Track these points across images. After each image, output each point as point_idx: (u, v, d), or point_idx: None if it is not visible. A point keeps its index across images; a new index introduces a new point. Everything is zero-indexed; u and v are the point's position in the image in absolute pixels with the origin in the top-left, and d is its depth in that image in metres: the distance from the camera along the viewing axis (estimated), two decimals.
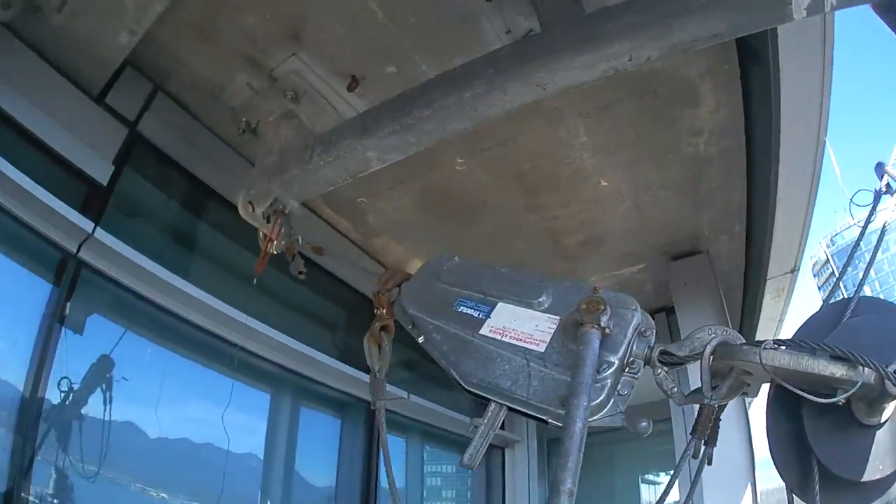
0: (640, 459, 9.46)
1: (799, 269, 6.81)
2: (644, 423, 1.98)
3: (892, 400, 1.93)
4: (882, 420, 2.01)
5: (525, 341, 2.22)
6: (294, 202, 4.07)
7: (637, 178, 5.78)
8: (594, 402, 1.96)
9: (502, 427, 8.73)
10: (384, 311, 2.85)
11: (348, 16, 4.27)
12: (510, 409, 2.14)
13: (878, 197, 2.95)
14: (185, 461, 5.45)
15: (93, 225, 4.31)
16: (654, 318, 6.22)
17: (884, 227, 2.98)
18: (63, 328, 4.33)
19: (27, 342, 4.13)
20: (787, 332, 8.60)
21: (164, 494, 5.11)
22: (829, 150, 4.95)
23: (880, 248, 3.05)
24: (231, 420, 5.37)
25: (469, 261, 2.78)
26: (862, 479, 2.05)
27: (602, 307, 2.05)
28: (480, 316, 2.39)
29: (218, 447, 5.46)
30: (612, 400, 2.04)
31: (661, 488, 9.23)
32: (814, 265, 79.64)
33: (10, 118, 4.15)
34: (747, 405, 6.15)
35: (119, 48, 4.30)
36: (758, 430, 5.60)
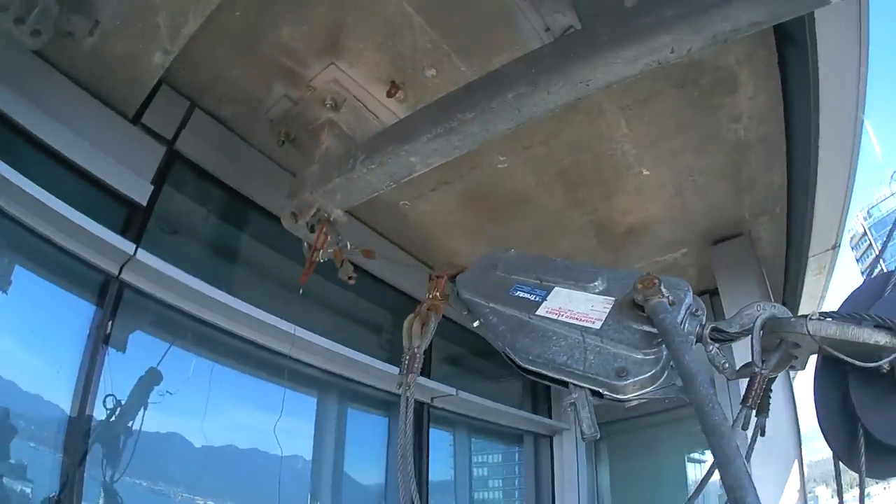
0: (685, 439, 9.42)
1: (840, 246, 6.74)
2: (726, 364, 2.01)
3: None
4: None
5: (581, 320, 2.21)
6: (338, 210, 4.08)
7: (678, 167, 5.75)
8: (650, 373, 1.99)
9: (549, 416, 8.80)
10: (437, 294, 2.82)
11: (385, 21, 4.25)
12: (565, 383, 2.12)
13: None
14: (232, 468, 5.49)
15: (134, 246, 4.30)
16: None
17: None
18: (107, 347, 4.33)
19: (73, 363, 4.15)
20: (829, 308, 8.61)
21: (211, 502, 5.15)
22: (867, 126, 4.91)
23: None
24: (279, 425, 5.33)
25: (525, 253, 2.78)
26: None
27: (657, 283, 2.04)
28: (536, 299, 2.39)
29: (265, 452, 5.50)
30: (668, 372, 2.04)
31: (707, 466, 9.28)
32: (851, 238, 79.15)
33: (45, 145, 4.18)
34: (792, 378, 6.15)
35: (153, 68, 4.29)
36: (803, 403, 5.68)
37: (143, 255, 4.35)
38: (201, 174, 5.25)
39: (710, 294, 7.58)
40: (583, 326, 2.17)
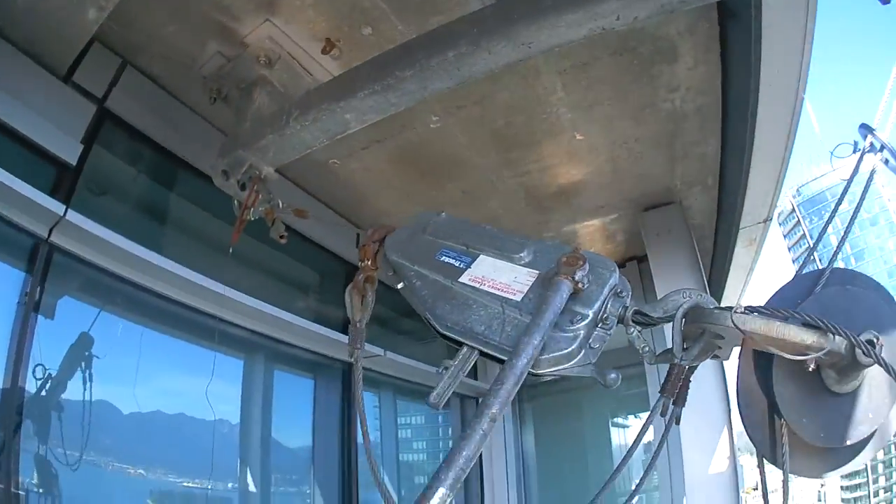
0: (609, 402, 9.59)
1: (771, 220, 6.85)
2: (613, 375, 2.00)
3: (862, 369, 1.99)
4: (851, 389, 2.08)
5: (502, 290, 2.22)
6: (269, 168, 4.02)
7: (612, 133, 5.78)
8: (566, 351, 2.01)
9: (475, 377, 8.86)
10: (369, 263, 2.82)
11: None
12: (482, 353, 2.15)
13: (862, 155, 2.97)
14: (162, 435, 5.44)
15: (63, 207, 4.20)
16: (625, 266, 6.25)
17: (865, 190, 2.99)
18: (37, 315, 4.24)
19: (2, 334, 4.05)
20: (756, 281, 8.78)
21: (142, 471, 5.14)
22: (806, 103, 4.97)
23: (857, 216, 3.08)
24: (207, 389, 5.33)
25: (456, 218, 2.78)
26: (829, 446, 2.13)
27: (581, 263, 2.07)
28: (461, 266, 2.40)
29: (193, 417, 5.51)
30: (584, 351, 2.05)
31: (631, 432, 9.59)
32: (779, 214, 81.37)
33: None
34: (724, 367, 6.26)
35: (87, 25, 4.14)
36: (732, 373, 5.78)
37: (74, 216, 4.24)
38: (132, 133, 5.13)
39: (637, 260, 7.85)
40: (504, 297, 2.20)
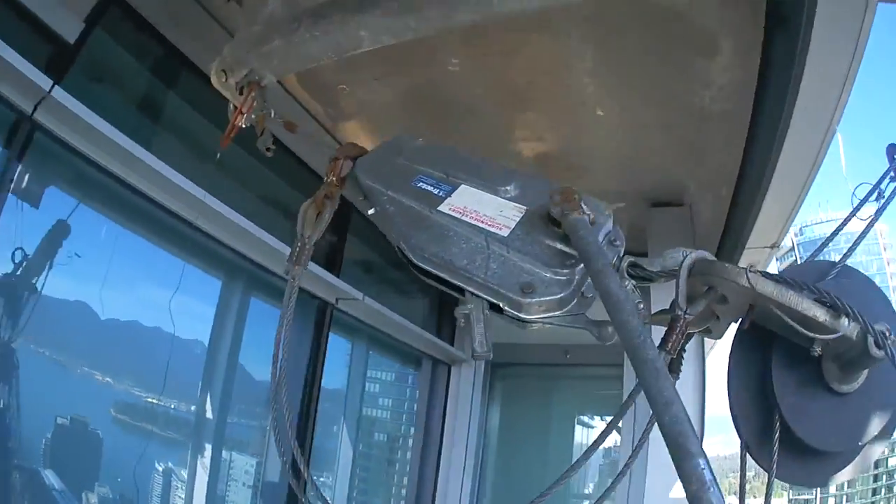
0: (578, 399, 9.58)
1: (778, 247, 6.72)
2: (610, 329, 1.82)
3: (870, 364, 1.83)
4: (849, 390, 1.92)
5: (487, 224, 2.06)
6: (271, 75, 3.84)
7: (635, 116, 5.63)
8: (559, 296, 1.86)
9: (451, 343, 8.78)
10: (335, 179, 2.67)
11: None
12: (463, 290, 1.99)
13: (884, 177, 2.78)
14: (132, 345, 5.39)
15: (51, 83, 3.99)
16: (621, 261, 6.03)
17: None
18: (14, 196, 4.15)
19: None
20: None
21: (108, 379, 5.09)
22: (838, 136, 4.83)
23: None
24: (179, 305, 5.32)
25: (435, 144, 2.67)
26: (824, 448, 1.97)
27: (577, 197, 1.92)
28: (441, 194, 2.24)
29: (165, 332, 5.41)
30: (577, 299, 1.91)
31: (595, 433, 9.41)
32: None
33: None
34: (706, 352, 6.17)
35: None
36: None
37: (61, 95, 4.03)
38: (138, 22, 4.92)
39: (634, 256, 7.53)
40: (488, 231, 2.04)
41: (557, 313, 1.88)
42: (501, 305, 1.91)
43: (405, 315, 7.78)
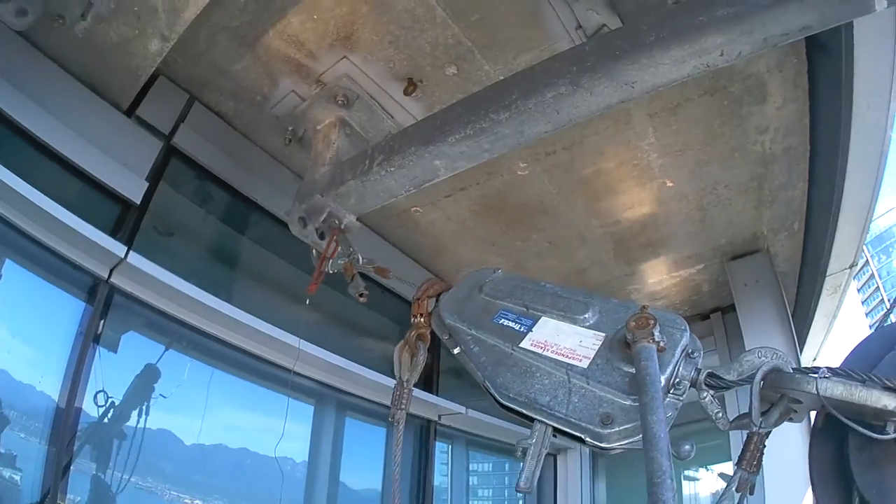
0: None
1: (857, 265, 6.58)
2: (687, 447, 1.84)
3: None
4: None
5: (567, 356, 2.12)
6: (350, 216, 3.84)
7: (703, 179, 5.55)
8: (637, 422, 1.86)
9: (554, 434, 8.70)
10: (422, 319, 2.71)
11: (404, 13, 3.98)
12: (555, 429, 2.04)
13: None
14: (223, 468, 5.40)
15: (125, 248, 4.08)
16: (709, 318, 6.04)
17: None
18: (97, 346, 4.20)
19: (62, 358, 4.04)
20: (838, 329, 8.45)
21: (198, 501, 5.05)
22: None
23: None
24: (274, 429, 5.18)
25: (513, 275, 2.67)
26: None
27: (652, 323, 1.93)
28: (522, 329, 2.29)
29: (256, 453, 5.43)
30: None
31: (701, 484, 9.40)
32: None
33: (32, 135, 3.95)
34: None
35: (150, 56, 4.01)
36: None
37: (135, 259, 4.12)
38: (201, 172, 5.00)
39: (721, 311, 7.53)
40: (569, 364, 2.09)
41: (637, 438, 1.87)
42: (583, 438, 1.95)
43: (510, 418, 7.61)
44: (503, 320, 2.36)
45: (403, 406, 2.67)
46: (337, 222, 3.76)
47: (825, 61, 4.19)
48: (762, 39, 2.63)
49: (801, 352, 6.76)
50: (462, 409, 6.74)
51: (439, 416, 6.79)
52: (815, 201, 5.73)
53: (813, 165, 5.32)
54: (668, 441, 1.64)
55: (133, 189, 4.41)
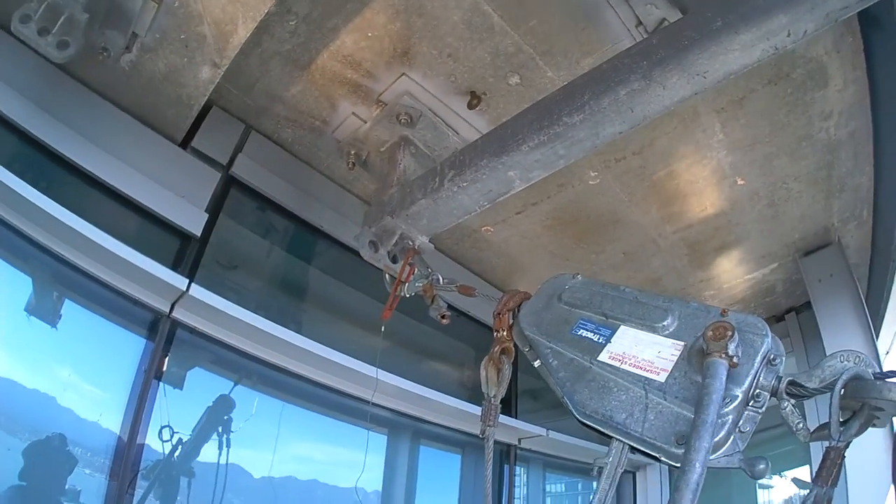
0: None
1: None
2: (762, 465, 1.78)
3: None
4: None
5: (645, 370, 2.07)
6: (423, 237, 3.77)
7: (772, 173, 5.42)
8: (713, 441, 1.76)
9: (633, 450, 8.59)
10: (504, 334, 2.68)
11: (461, 24, 3.92)
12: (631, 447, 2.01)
13: None
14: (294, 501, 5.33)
15: (186, 282, 4.06)
16: (784, 319, 5.87)
17: None
18: (160, 382, 4.22)
19: (124, 396, 4.08)
20: None
21: None
22: None
23: None
24: (348, 460, 5.23)
25: (592, 280, 2.60)
26: None
27: (730, 333, 1.88)
28: (601, 340, 2.26)
29: (325, 484, 5.36)
30: (732, 438, 1.88)
31: (776, 492, 9.15)
32: None
33: (84, 171, 3.98)
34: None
35: (202, 85, 4.00)
36: None
37: (197, 291, 4.10)
38: (262, 202, 4.99)
39: (796, 311, 7.37)
40: (646, 378, 2.05)
41: (712, 457, 1.81)
42: (658, 456, 1.92)
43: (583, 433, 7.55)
44: (582, 331, 2.32)
45: (492, 422, 2.62)
46: (410, 244, 3.69)
47: (880, 37, 4.09)
48: (825, 15, 2.56)
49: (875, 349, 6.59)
50: (543, 431, 6.63)
51: (519, 440, 6.68)
52: (883, 185, 5.57)
53: (878, 148, 5.18)
54: (704, 471, 1.61)
55: (193, 221, 4.41)
